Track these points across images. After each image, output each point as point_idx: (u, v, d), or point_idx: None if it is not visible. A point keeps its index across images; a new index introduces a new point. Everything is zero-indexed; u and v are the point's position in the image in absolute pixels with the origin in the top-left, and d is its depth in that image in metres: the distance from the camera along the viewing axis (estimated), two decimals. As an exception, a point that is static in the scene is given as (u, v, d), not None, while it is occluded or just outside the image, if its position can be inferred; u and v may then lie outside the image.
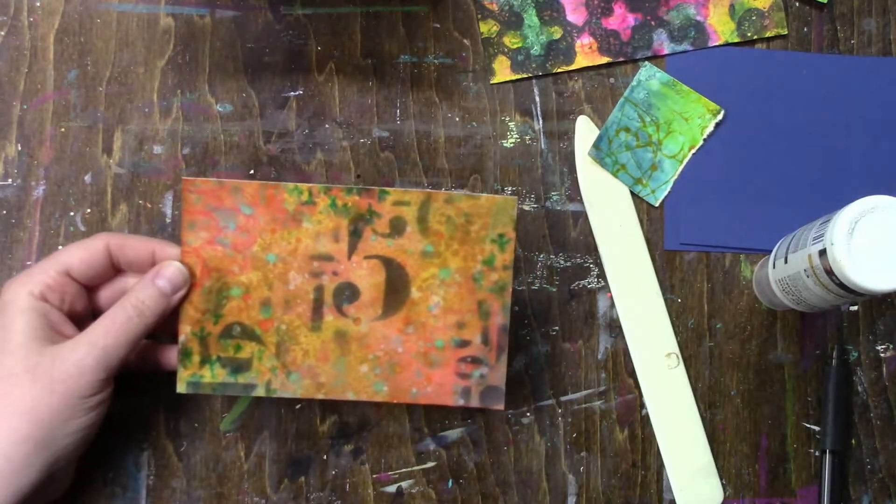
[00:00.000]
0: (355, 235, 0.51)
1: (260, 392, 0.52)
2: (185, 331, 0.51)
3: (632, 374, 0.58)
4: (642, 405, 0.58)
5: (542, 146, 0.59)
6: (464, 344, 0.52)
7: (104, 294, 0.53)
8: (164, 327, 0.51)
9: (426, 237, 0.52)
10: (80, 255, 0.51)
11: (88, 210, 0.58)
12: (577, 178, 0.59)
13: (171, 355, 0.53)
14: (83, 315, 0.52)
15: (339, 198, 0.51)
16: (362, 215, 0.51)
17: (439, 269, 0.52)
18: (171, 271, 0.50)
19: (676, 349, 0.58)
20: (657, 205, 0.59)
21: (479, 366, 0.52)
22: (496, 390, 0.52)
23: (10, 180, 0.58)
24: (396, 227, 0.51)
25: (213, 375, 0.52)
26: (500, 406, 0.52)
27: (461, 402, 0.52)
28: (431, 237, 0.52)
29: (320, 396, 0.52)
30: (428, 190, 0.52)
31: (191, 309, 0.51)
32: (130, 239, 0.52)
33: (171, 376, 0.55)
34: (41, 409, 0.47)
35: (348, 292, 0.52)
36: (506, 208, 0.51)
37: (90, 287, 0.52)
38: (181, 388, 0.51)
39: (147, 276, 0.50)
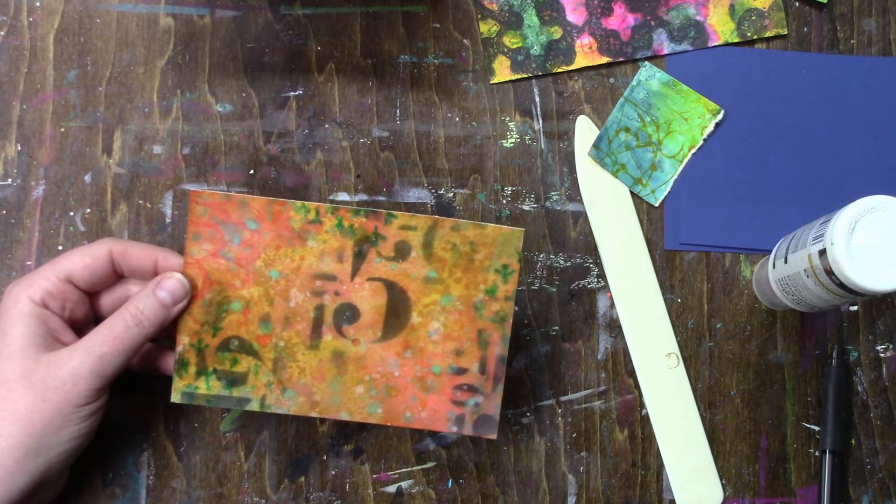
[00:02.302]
0: (359, 257, 0.52)
1: (254, 406, 0.52)
2: (183, 342, 0.51)
3: (632, 374, 0.58)
4: (642, 405, 0.58)
5: (542, 146, 0.59)
6: (461, 372, 0.52)
7: (105, 300, 0.53)
8: (164, 332, 0.51)
9: (430, 263, 0.52)
10: (82, 262, 0.51)
11: (88, 210, 0.58)
12: (577, 178, 0.59)
13: (171, 360, 0.53)
14: (84, 321, 0.52)
15: (345, 218, 0.51)
16: (368, 237, 0.52)
17: (441, 296, 0.52)
18: (172, 283, 0.49)
19: (676, 349, 0.58)
20: (657, 205, 0.59)
21: (475, 394, 0.52)
22: (490, 419, 0.52)
23: (10, 180, 0.58)
24: (401, 252, 0.52)
25: (209, 387, 0.52)
26: (493, 436, 0.52)
27: (454, 430, 0.52)
28: (435, 263, 0.52)
29: (314, 415, 0.52)
30: (435, 216, 0.52)
31: (190, 320, 0.51)
32: (133, 246, 0.52)
33: (171, 378, 0.55)
34: (34, 417, 0.47)
35: (349, 313, 0.52)
36: (512, 240, 0.51)
37: (91, 293, 0.52)
38: (175, 397, 0.51)
39: (148, 287, 0.50)
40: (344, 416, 0.52)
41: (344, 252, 0.52)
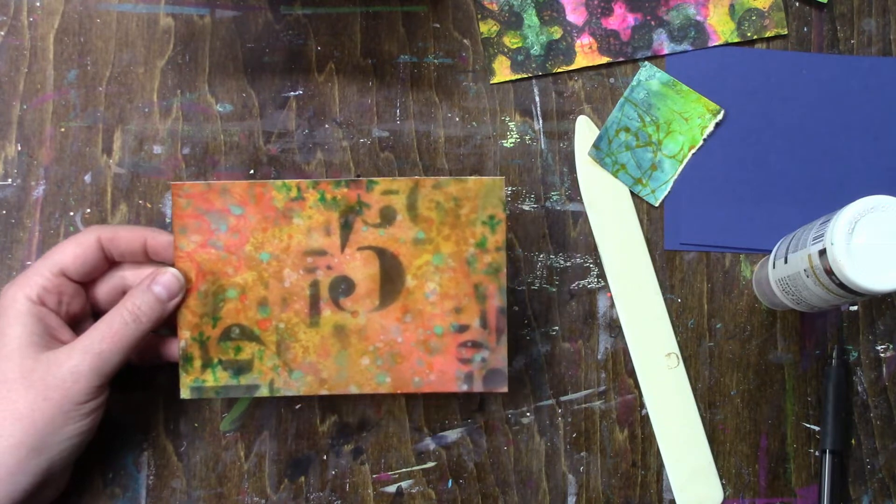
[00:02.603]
0: (346, 228, 0.52)
1: (264, 392, 0.52)
2: (185, 336, 0.51)
3: (632, 374, 0.58)
4: (642, 405, 0.58)
5: (542, 146, 0.59)
6: (463, 329, 0.52)
7: (101, 290, 0.53)
8: (163, 324, 0.51)
9: (417, 224, 0.52)
10: (73, 252, 0.51)
11: (88, 210, 0.58)
12: (577, 178, 0.59)
13: (170, 346, 0.53)
14: (81, 315, 0.52)
15: (327, 191, 0.52)
16: (352, 207, 0.52)
17: (432, 256, 0.52)
18: (167, 278, 0.50)
19: (676, 349, 0.58)
20: (657, 205, 0.59)
21: (480, 349, 0.52)
22: (499, 373, 0.52)
23: (10, 180, 0.58)
24: (386, 217, 0.52)
25: (216, 379, 0.52)
26: (504, 388, 0.52)
27: (465, 388, 0.52)
28: (422, 224, 0.52)
29: (324, 392, 0.52)
30: (415, 177, 0.52)
31: (188, 314, 0.51)
32: (121, 230, 0.52)
33: (172, 377, 0.55)
34: (35, 416, 0.47)
35: (344, 285, 0.52)
36: (494, 189, 0.51)
37: (87, 283, 0.52)
38: (185, 393, 0.52)
39: (143, 282, 0.50)
40: (353, 390, 0.52)
41: (330, 225, 0.52)
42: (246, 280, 0.51)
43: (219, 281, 0.51)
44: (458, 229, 0.52)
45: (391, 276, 0.52)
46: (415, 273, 0.52)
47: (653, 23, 0.60)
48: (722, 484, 0.57)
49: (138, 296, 0.49)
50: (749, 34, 0.60)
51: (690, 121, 0.59)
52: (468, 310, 0.52)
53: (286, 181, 0.51)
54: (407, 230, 0.52)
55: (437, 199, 0.52)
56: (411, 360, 0.52)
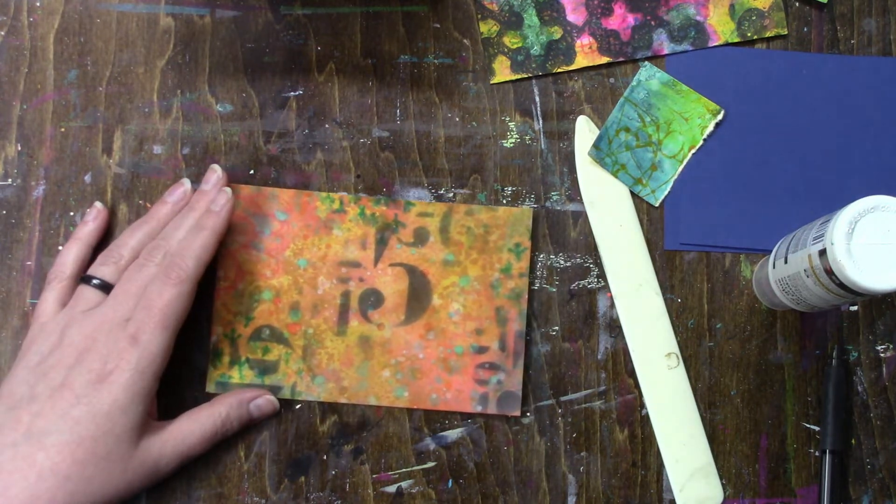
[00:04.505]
0: (381, 243, 0.53)
1: (285, 394, 0.53)
2: (217, 331, 0.53)
3: (632, 374, 0.58)
4: (642, 405, 0.58)
5: (542, 146, 0.59)
6: (482, 350, 0.53)
7: None
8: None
9: (447, 247, 0.53)
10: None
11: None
12: (577, 178, 0.59)
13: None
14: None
15: (367, 207, 0.54)
16: (389, 224, 0.54)
17: (459, 278, 0.53)
18: (263, 402, 0.54)
19: (676, 349, 0.58)
20: (657, 205, 0.59)
21: (497, 372, 0.53)
22: (513, 396, 0.53)
23: (10, 180, 0.58)
24: (420, 237, 0.53)
25: (242, 376, 0.53)
26: (517, 412, 0.53)
27: (479, 409, 0.54)
28: (452, 247, 0.53)
29: (343, 400, 0.53)
30: (450, 203, 0.54)
31: (224, 311, 0.53)
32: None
33: (171, 377, 0.55)
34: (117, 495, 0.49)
35: (373, 298, 0.53)
36: (522, 219, 0.54)
37: None
38: (210, 387, 0.53)
39: (244, 396, 0.53)
40: (372, 401, 0.54)
41: (367, 239, 0.53)
42: (282, 283, 0.53)
43: (256, 282, 0.53)
44: (486, 254, 0.54)
45: (419, 294, 0.53)
46: (441, 293, 0.53)
47: (653, 23, 0.60)
48: (722, 484, 0.57)
49: (234, 408, 0.52)
50: (749, 34, 0.60)
51: (690, 121, 0.59)
52: (489, 332, 0.53)
53: (330, 193, 0.53)
54: (438, 251, 0.53)
55: (469, 224, 0.54)
56: (430, 376, 0.53)
